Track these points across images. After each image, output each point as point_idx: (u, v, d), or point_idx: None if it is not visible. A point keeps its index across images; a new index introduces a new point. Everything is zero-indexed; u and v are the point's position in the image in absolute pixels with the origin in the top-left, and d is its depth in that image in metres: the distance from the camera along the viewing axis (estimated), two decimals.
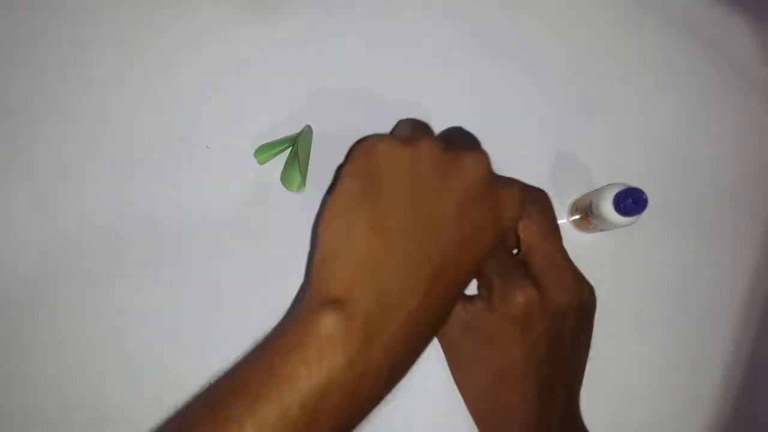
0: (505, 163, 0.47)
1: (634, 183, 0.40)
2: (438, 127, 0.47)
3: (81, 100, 0.45)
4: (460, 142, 0.36)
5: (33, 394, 0.41)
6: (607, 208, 0.40)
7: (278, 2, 0.47)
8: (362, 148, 0.32)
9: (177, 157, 0.45)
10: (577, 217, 0.45)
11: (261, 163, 0.44)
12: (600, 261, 0.46)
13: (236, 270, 0.43)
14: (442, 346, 0.40)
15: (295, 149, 0.43)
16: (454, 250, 0.30)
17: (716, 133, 0.49)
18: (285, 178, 0.44)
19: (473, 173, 0.32)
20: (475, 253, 0.31)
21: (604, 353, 0.45)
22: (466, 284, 0.32)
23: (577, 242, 0.46)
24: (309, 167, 0.44)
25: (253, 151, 0.44)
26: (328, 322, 0.26)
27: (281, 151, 0.44)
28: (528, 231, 0.37)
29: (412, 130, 0.35)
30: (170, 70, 0.46)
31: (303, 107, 0.46)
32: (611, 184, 0.41)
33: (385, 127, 0.46)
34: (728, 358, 0.46)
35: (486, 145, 0.47)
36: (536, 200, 0.39)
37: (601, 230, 0.44)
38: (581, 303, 0.37)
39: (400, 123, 0.39)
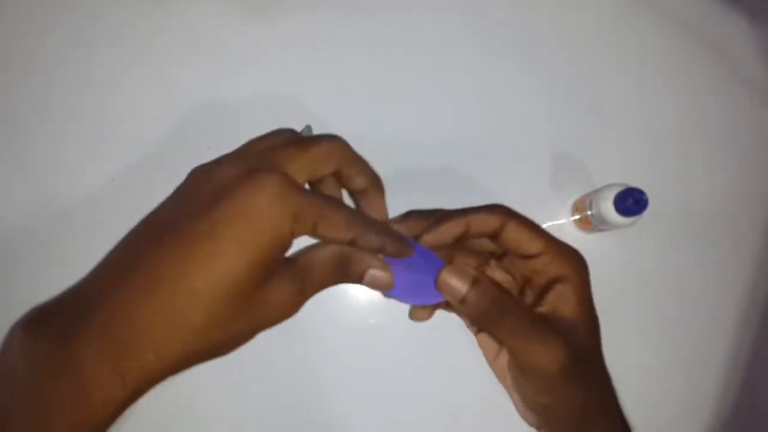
0: (506, 163, 0.47)
1: (634, 183, 0.40)
2: (436, 126, 0.47)
3: (81, 100, 0.45)
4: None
5: None
6: (608, 208, 0.40)
7: (278, 2, 0.47)
8: None
9: (177, 157, 0.45)
10: (577, 217, 0.45)
11: None
12: (601, 261, 0.46)
13: None
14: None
15: None
16: None
17: (716, 133, 0.49)
18: None
19: None
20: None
21: (605, 353, 0.45)
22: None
23: (577, 242, 0.46)
24: None
25: None
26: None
27: None
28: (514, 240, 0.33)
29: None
30: (170, 70, 0.46)
31: (303, 107, 0.46)
32: (612, 184, 0.41)
33: (384, 126, 0.46)
34: (728, 357, 0.46)
35: (487, 145, 0.47)
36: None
37: (602, 230, 0.44)
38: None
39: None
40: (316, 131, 0.45)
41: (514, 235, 0.33)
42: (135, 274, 0.25)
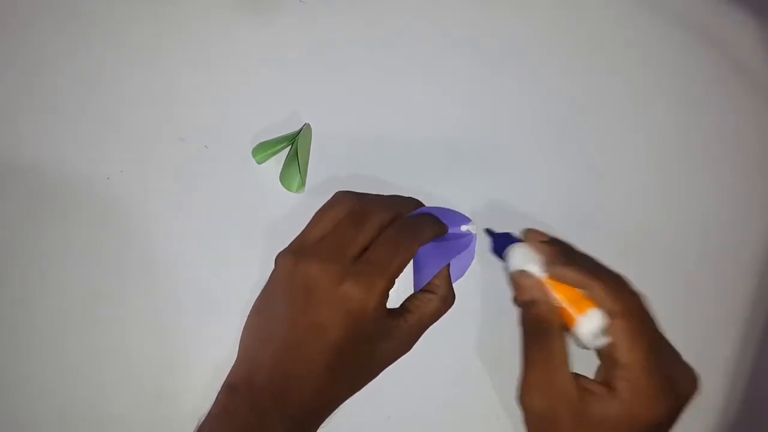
0: (507, 164, 0.47)
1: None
2: (436, 127, 0.47)
3: (80, 100, 0.45)
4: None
5: (33, 395, 0.41)
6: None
7: (278, 2, 0.47)
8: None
9: (175, 157, 0.45)
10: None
11: (259, 162, 0.44)
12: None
13: (235, 271, 0.43)
14: (532, 423, 0.36)
15: (295, 149, 0.43)
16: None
17: (719, 134, 0.48)
18: (284, 179, 0.43)
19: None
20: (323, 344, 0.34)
21: None
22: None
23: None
24: (308, 167, 0.44)
25: (251, 151, 0.44)
26: (219, 402, 0.35)
27: (279, 151, 0.44)
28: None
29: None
30: (169, 70, 0.46)
31: (302, 107, 0.46)
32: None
33: (383, 125, 0.46)
34: (733, 361, 0.45)
35: (488, 145, 0.47)
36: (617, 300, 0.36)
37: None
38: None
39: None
40: (315, 131, 0.45)
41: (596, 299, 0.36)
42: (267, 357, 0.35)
